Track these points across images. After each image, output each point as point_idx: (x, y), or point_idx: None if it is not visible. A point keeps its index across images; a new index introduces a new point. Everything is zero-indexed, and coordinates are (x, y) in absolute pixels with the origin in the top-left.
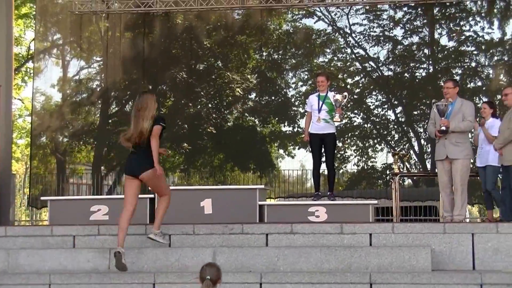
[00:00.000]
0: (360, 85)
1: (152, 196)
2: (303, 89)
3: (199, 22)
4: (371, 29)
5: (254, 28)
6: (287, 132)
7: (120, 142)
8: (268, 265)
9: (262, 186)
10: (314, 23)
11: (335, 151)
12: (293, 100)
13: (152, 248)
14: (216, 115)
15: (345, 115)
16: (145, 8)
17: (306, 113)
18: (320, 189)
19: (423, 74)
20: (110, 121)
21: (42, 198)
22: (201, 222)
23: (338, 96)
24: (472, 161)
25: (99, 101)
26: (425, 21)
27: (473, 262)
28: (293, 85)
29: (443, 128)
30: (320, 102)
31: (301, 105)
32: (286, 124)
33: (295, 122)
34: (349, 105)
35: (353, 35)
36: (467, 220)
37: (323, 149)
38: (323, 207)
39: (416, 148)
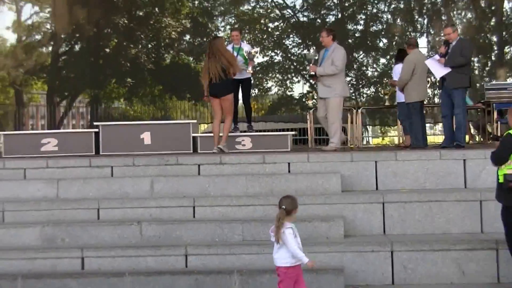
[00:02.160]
0: (280, 28)
1: (96, 130)
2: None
3: None
4: None
5: None
6: None
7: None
8: (201, 191)
9: (195, 121)
10: None
11: (250, 91)
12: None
13: (96, 178)
14: (155, 54)
15: (257, 66)
16: None
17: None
18: (237, 124)
19: (332, 19)
20: (60, 59)
21: None
22: (141, 151)
23: (250, 49)
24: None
25: (51, 43)
26: None
27: (376, 184)
28: (222, 29)
29: (312, 73)
30: (235, 53)
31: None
32: None
33: None
34: (270, 45)
35: None
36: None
37: (240, 91)
38: (248, 138)
39: None
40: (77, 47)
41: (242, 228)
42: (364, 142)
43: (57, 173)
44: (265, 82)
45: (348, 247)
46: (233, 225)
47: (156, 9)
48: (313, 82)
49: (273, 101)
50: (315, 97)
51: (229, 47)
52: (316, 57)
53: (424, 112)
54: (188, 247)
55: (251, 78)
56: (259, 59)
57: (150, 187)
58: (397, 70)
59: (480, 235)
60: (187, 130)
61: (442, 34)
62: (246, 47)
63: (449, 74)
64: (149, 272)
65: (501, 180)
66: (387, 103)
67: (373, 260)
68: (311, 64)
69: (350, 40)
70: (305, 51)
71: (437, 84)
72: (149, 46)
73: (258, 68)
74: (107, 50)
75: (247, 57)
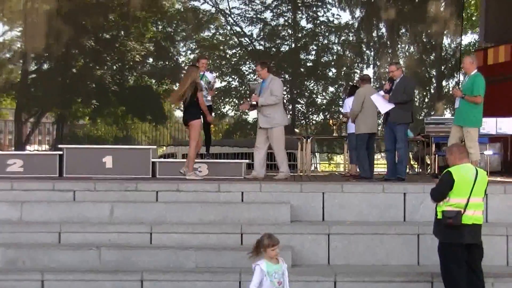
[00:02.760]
0: (237, 55)
1: (60, 152)
2: (191, 56)
3: None
4: (246, 12)
5: (152, 5)
6: None
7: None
8: (158, 218)
9: (155, 147)
10: (201, 4)
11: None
12: (183, 65)
13: (59, 202)
14: (120, 76)
15: (215, 95)
16: None
17: None
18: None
19: (286, 48)
20: (29, 77)
21: None
22: (102, 174)
23: (212, 79)
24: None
25: (21, 61)
26: (289, 7)
27: (323, 215)
28: (183, 53)
29: (253, 102)
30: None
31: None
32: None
33: None
34: (228, 71)
35: (232, 16)
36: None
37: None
38: (205, 164)
39: None
40: (45, 66)
41: (196, 256)
42: (312, 168)
43: (22, 196)
44: (222, 107)
45: (294, 276)
46: (188, 252)
47: (122, 32)
48: (249, 112)
49: (229, 125)
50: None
51: None
52: (259, 86)
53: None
54: (144, 272)
55: (212, 105)
56: (216, 84)
57: (110, 212)
58: (348, 103)
59: (417, 267)
60: (147, 155)
61: (387, 68)
62: (209, 75)
63: (392, 110)
64: None
65: (439, 216)
66: (334, 133)
67: None
68: (253, 94)
69: (302, 69)
70: (247, 81)
71: (381, 119)
72: (114, 68)
73: (216, 93)
74: (74, 70)
75: (206, 86)
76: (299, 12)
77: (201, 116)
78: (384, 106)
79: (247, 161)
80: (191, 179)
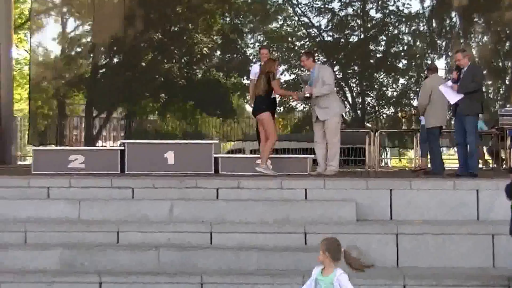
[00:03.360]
0: (306, 47)
1: (122, 148)
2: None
3: None
4: (314, 1)
5: None
6: (246, 85)
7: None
8: (218, 216)
9: (217, 141)
10: None
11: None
12: (251, 57)
13: (117, 200)
14: (187, 69)
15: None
16: None
17: (250, 80)
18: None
19: (355, 39)
20: (99, 72)
21: (28, 147)
22: (165, 170)
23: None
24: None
25: (91, 55)
26: None
27: (391, 214)
28: (251, 45)
29: (307, 94)
30: None
31: (258, 62)
32: (245, 78)
33: None
34: (297, 63)
35: (300, 6)
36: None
37: None
38: (268, 160)
39: (350, 99)
40: (114, 60)
41: (257, 257)
42: (383, 164)
43: (79, 193)
44: (291, 100)
45: (361, 280)
46: (249, 253)
47: (190, 25)
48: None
49: (298, 119)
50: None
51: (257, 65)
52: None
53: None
54: (203, 275)
55: (276, 98)
56: (285, 77)
57: (169, 211)
58: None
59: (492, 270)
60: (209, 151)
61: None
62: None
63: (461, 101)
64: None
65: None
66: (404, 127)
67: None
68: (306, 86)
69: (371, 61)
70: (300, 72)
71: (450, 110)
72: (182, 61)
73: (284, 86)
74: (143, 64)
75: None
76: (368, 2)
77: (273, 109)
78: (453, 96)
79: (312, 156)
80: (260, 171)
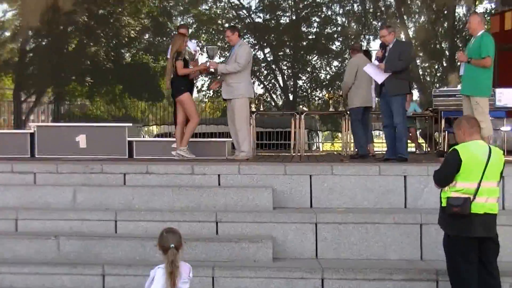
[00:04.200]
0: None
1: (32, 131)
2: (189, 31)
3: None
4: None
5: None
6: None
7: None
8: (124, 204)
9: (131, 124)
10: None
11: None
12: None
13: (17, 186)
14: (115, 53)
15: None
16: None
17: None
18: None
19: (287, 21)
20: (27, 56)
21: None
22: (76, 154)
23: (192, 47)
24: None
25: (20, 39)
26: None
27: (311, 201)
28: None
29: (212, 69)
30: None
31: None
32: None
33: None
34: (226, 46)
35: None
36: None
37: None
38: None
39: (281, 82)
40: (42, 44)
41: None
42: (315, 148)
43: None
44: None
45: (276, 272)
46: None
47: (118, 8)
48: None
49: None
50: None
51: None
52: (217, 51)
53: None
54: (106, 266)
55: (194, 80)
56: (215, 59)
57: (72, 197)
58: None
59: (420, 262)
60: (123, 134)
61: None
62: (190, 45)
63: (387, 80)
64: None
65: (444, 203)
66: (331, 108)
67: None
68: (210, 60)
69: (304, 43)
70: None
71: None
72: (110, 44)
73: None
74: (70, 48)
75: (188, 58)
76: None
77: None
78: (380, 76)
79: (230, 139)
80: (180, 154)
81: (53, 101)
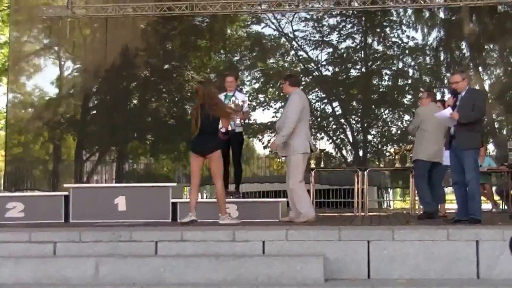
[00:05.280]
0: (304, 83)
1: (66, 193)
2: (256, 85)
3: (160, 26)
4: (312, 35)
5: (214, 33)
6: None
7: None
8: (154, 277)
9: (175, 184)
10: (262, 28)
11: (242, 149)
12: (247, 95)
13: (33, 258)
14: (177, 109)
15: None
16: (106, 14)
17: None
18: (229, 187)
19: (355, 73)
20: (91, 113)
21: None
22: (115, 219)
23: (238, 101)
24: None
25: (82, 96)
26: (358, 28)
27: (368, 271)
28: (247, 83)
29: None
30: (226, 101)
31: (254, 100)
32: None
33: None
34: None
35: (297, 39)
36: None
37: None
38: (234, 205)
39: (350, 137)
40: (105, 101)
41: None
42: (385, 206)
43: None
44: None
45: None
46: None
47: (184, 63)
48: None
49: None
50: None
51: (221, 96)
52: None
53: None
54: None
55: (242, 132)
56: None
57: (94, 271)
58: None
59: None
60: (166, 195)
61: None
62: (239, 96)
63: (458, 133)
64: None
65: None
66: (397, 164)
67: None
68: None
69: (374, 96)
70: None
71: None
72: (173, 100)
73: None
74: (131, 104)
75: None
76: (370, 34)
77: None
78: (452, 122)
79: (284, 199)
80: (224, 223)
81: (115, 159)
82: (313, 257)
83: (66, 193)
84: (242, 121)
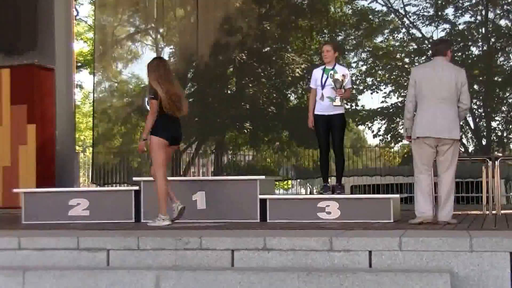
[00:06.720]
0: (417, 64)
1: (136, 188)
2: (363, 68)
3: (257, 5)
4: (425, 9)
5: (315, 11)
6: (351, 110)
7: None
8: None
9: (263, 177)
10: (368, 3)
11: (344, 135)
12: (353, 78)
13: (81, 270)
14: (277, 95)
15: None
16: None
17: (310, 90)
18: (328, 180)
19: (476, 52)
20: (190, 99)
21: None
22: (192, 219)
23: (338, 76)
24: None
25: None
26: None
27: None
28: (354, 64)
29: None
30: (325, 76)
31: (361, 83)
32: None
33: (356, 99)
34: (405, 83)
35: (408, 15)
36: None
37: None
38: (335, 202)
39: (471, 123)
40: (202, 87)
41: None
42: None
43: (28, 259)
44: (400, 127)
45: None
46: None
47: (282, 44)
48: None
49: (410, 149)
50: None
51: (319, 69)
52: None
53: None
54: None
55: (344, 114)
56: (392, 99)
57: (154, 286)
58: None
59: None
60: (253, 190)
61: None
62: (341, 69)
63: None
64: None
65: None
66: None
67: None
68: None
69: (498, 78)
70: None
71: None
72: (273, 85)
73: (391, 110)
74: (227, 91)
75: (334, 86)
76: (491, 7)
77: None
78: None
79: (397, 196)
80: (152, 226)
81: (214, 151)
82: (436, 273)
83: (137, 187)
84: (345, 100)
